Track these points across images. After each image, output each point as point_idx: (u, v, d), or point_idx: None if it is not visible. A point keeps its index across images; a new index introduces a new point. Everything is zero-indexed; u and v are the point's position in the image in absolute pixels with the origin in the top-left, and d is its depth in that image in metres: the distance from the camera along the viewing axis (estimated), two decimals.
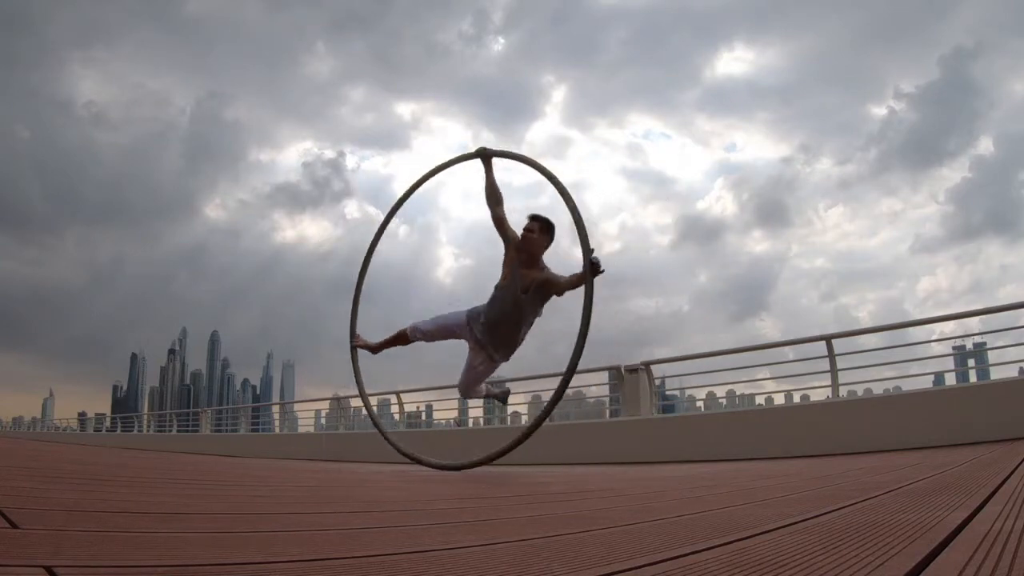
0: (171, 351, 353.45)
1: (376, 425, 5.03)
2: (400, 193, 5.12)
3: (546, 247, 3.94)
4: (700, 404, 8.85)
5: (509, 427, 9.69)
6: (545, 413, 3.85)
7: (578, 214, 3.76)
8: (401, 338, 4.39)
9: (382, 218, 5.29)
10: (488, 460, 3.92)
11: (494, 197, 4.07)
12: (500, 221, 4.03)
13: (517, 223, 4.05)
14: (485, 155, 4.15)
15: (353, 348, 4.80)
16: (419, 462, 4.33)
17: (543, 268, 3.90)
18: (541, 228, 3.91)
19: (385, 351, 4.65)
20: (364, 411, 5.39)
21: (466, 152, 4.31)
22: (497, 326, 3.98)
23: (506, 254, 3.99)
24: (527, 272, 3.87)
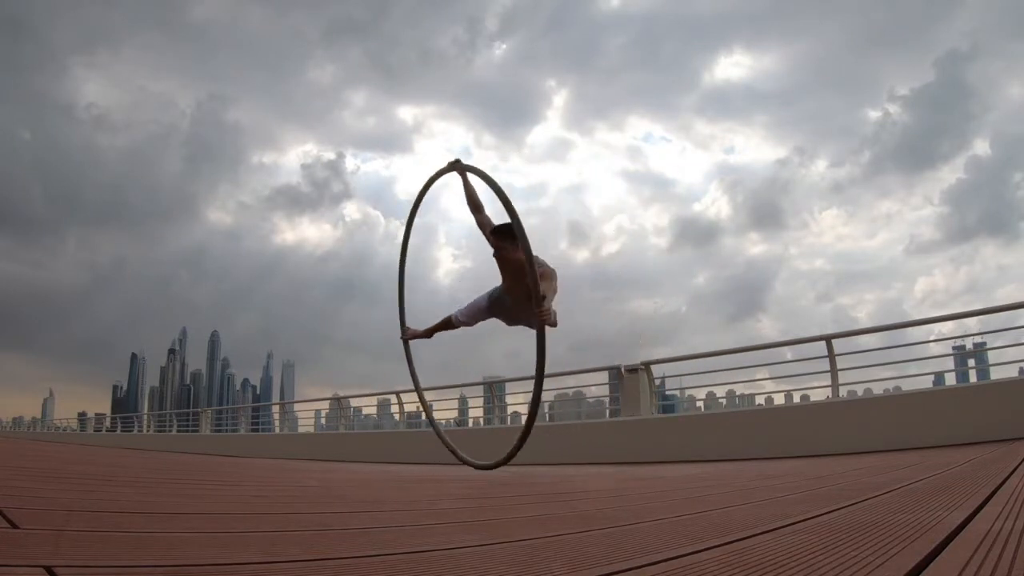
0: (171, 351, 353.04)
1: (432, 424, 5.26)
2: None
3: (520, 248, 3.65)
4: (700, 404, 8.86)
5: (510, 426, 9.69)
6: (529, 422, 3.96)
7: (527, 245, 3.56)
8: (448, 323, 4.55)
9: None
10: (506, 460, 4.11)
11: (473, 204, 4.29)
12: (482, 226, 4.17)
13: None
14: (460, 168, 4.42)
15: (405, 341, 4.98)
16: (463, 461, 4.61)
17: (541, 265, 3.70)
18: (507, 241, 3.73)
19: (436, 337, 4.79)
20: (419, 408, 5.55)
21: (443, 168, 4.57)
22: (511, 321, 4.16)
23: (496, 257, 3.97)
24: (515, 285, 3.82)
